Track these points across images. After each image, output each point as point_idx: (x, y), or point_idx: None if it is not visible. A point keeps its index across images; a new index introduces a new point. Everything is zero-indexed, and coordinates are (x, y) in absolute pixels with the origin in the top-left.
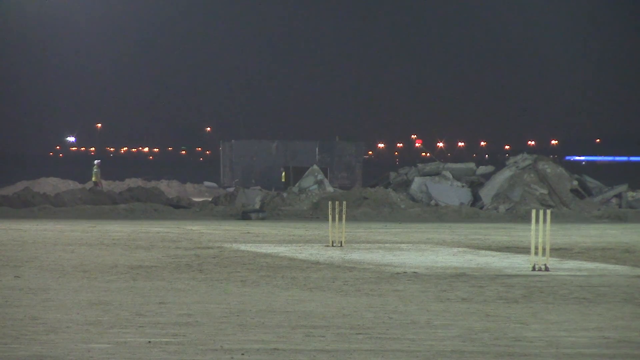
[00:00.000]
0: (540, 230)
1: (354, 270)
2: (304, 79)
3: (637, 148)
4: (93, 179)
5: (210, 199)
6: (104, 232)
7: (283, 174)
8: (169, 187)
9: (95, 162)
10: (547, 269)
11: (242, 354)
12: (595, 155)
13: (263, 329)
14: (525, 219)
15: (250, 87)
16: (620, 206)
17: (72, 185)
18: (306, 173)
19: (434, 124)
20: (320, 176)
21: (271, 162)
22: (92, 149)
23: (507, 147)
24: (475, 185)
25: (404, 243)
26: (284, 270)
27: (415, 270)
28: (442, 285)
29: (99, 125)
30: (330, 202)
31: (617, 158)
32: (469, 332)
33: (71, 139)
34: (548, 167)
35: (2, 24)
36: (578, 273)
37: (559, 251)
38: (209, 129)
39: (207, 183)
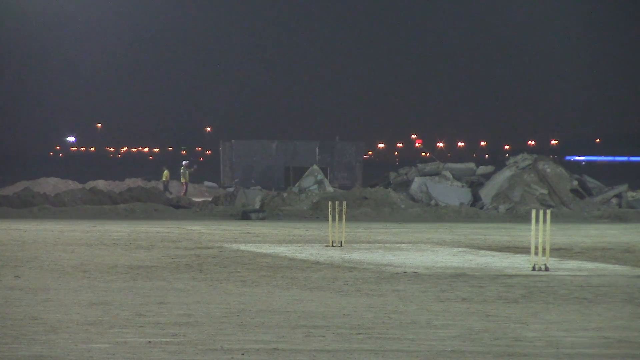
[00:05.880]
0: (540, 230)
1: (354, 270)
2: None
3: (637, 148)
4: (182, 180)
5: (210, 199)
6: (104, 232)
7: (164, 172)
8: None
9: (183, 163)
10: (547, 269)
11: (242, 354)
12: (595, 155)
13: (263, 329)
14: (525, 219)
15: (250, 87)
16: (620, 206)
17: (72, 185)
18: (306, 173)
19: (434, 124)
20: (320, 176)
21: (271, 162)
22: (92, 148)
23: (507, 147)
24: (475, 185)
25: (404, 243)
26: (284, 270)
27: (415, 270)
28: (442, 285)
29: (99, 125)
30: (330, 202)
31: (617, 158)
32: (469, 332)
33: (71, 139)
34: (548, 167)
35: (2, 24)
36: (578, 273)
37: (559, 251)
38: (209, 129)
39: (207, 183)
